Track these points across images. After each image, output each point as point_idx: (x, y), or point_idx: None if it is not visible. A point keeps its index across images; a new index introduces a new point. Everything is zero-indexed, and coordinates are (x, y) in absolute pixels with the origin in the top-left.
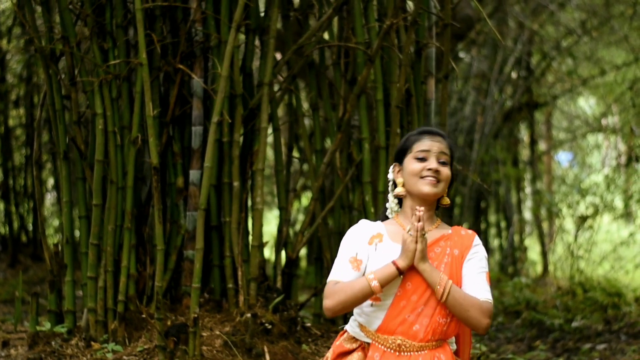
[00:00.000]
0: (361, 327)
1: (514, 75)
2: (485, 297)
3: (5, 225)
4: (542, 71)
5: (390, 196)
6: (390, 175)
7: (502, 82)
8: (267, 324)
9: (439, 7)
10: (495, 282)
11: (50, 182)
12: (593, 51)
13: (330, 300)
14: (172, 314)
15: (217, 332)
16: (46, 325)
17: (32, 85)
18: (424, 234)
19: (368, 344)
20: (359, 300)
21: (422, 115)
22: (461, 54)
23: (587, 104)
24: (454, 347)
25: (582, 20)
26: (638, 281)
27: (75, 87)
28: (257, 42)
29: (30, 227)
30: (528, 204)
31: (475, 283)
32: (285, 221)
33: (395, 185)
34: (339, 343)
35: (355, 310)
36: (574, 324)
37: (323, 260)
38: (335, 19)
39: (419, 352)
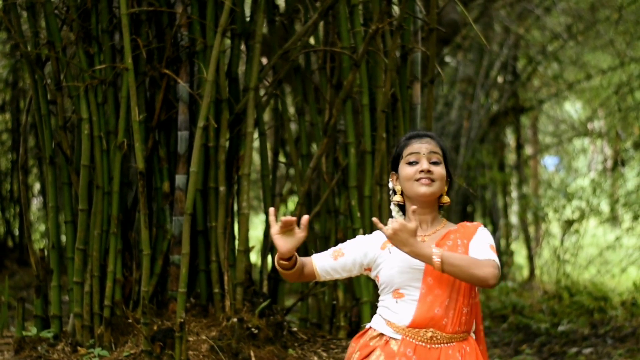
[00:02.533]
0: (389, 323)
1: (500, 79)
2: (485, 257)
3: None
4: (528, 75)
5: (392, 205)
6: (390, 185)
7: (488, 87)
8: (253, 329)
9: (424, 12)
10: None
11: (37, 187)
12: (579, 55)
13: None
14: (158, 318)
15: (204, 337)
16: (32, 331)
17: (18, 90)
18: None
19: (394, 339)
20: (307, 274)
21: (407, 119)
22: (447, 59)
23: (573, 108)
24: (474, 336)
25: (567, 24)
26: (624, 285)
27: (61, 92)
28: (242, 47)
29: (16, 232)
30: (514, 208)
31: (477, 250)
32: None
33: (395, 193)
34: (365, 341)
35: (382, 310)
36: (560, 328)
37: None
38: (321, 24)
39: (449, 344)
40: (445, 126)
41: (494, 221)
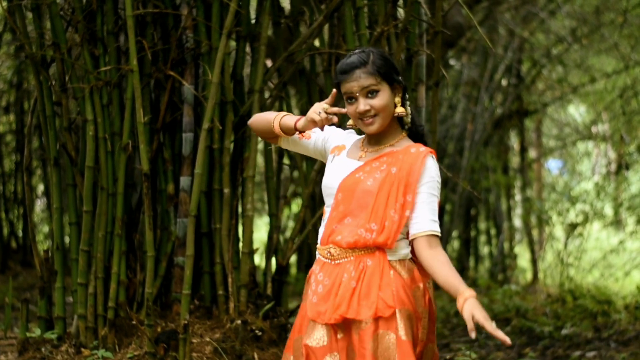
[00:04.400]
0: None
1: (504, 82)
2: (429, 228)
3: None
4: (532, 79)
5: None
6: None
7: (492, 90)
8: (257, 331)
9: (429, 15)
10: (485, 290)
11: (41, 188)
12: (583, 59)
13: (256, 115)
14: (162, 320)
15: (207, 339)
16: (36, 332)
17: (23, 92)
18: (329, 114)
19: (317, 258)
20: (264, 125)
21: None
22: (452, 62)
23: (577, 111)
24: (402, 253)
25: (572, 28)
26: (628, 289)
27: (66, 94)
28: (247, 49)
29: (20, 233)
30: (518, 211)
31: (421, 212)
32: (275, 228)
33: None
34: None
35: None
36: (564, 332)
37: None
38: (326, 26)
39: (346, 259)
40: (449, 129)
41: (498, 224)
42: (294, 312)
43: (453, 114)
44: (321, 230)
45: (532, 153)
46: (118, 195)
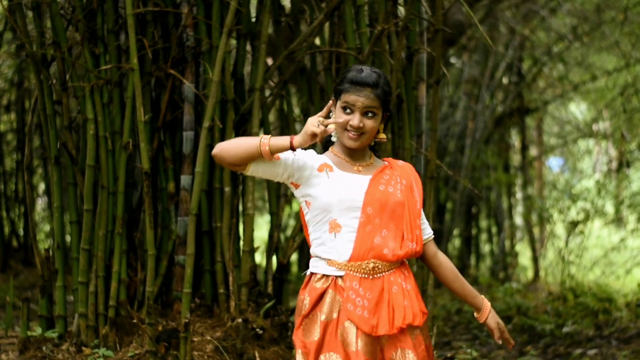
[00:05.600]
0: (330, 262)
1: (505, 80)
2: (431, 232)
3: None
4: (533, 77)
5: (331, 126)
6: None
7: (493, 88)
8: (258, 329)
9: (430, 13)
10: (486, 288)
11: (42, 187)
12: (584, 57)
13: (222, 142)
14: (163, 319)
15: (208, 338)
16: (37, 331)
17: (24, 90)
18: (326, 126)
19: (340, 277)
20: (243, 150)
21: (413, 120)
22: (452, 60)
23: (578, 109)
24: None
25: (573, 25)
26: (629, 286)
27: (67, 92)
28: (248, 48)
29: (21, 232)
30: (519, 209)
31: (424, 219)
32: (276, 226)
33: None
34: (312, 286)
35: (319, 250)
36: (565, 330)
37: None
38: (327, 25)
39: (389, 272)
40: (450, 127)
41: (499, 222)
42: (294, 311)
43: (454, 112)
44: (343, 245)
45: (533, 151)
46: (119, 194)
